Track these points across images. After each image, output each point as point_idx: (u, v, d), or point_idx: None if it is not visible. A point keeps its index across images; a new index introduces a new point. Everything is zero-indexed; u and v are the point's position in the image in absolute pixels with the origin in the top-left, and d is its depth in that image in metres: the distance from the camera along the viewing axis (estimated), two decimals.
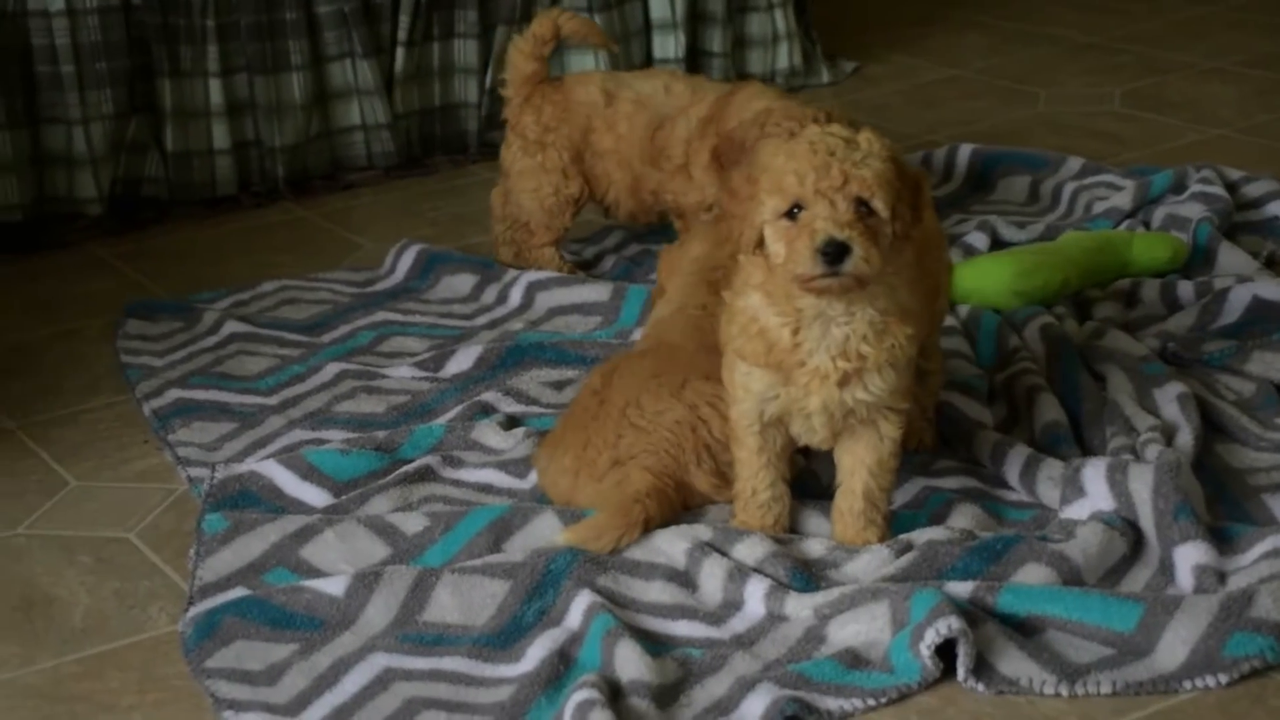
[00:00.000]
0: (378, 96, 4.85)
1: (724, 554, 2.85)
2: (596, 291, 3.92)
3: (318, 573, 2.91)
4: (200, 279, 4.22)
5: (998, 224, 4.15)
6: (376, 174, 4.91)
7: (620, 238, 4.34)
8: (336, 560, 2.93)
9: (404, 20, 4.86)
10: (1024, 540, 2.83)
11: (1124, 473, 2.91)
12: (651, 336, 3.27)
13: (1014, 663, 2.61)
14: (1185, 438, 3.12)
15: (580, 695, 2.50)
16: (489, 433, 3.29)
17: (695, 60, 5.34)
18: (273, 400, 3.55)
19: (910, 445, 3.16)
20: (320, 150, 4.86)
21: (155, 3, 4.55)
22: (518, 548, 2.92)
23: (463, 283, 4.07)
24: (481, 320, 3.92)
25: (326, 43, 4.79)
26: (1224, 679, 2.59)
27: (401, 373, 3.60)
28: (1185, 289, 3.78)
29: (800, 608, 2.73)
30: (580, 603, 2.74)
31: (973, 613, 2.66)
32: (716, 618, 2.76)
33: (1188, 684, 2.59)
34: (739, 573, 2.80)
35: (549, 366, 3.59)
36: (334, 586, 2.80)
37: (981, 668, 2.60)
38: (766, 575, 2.80)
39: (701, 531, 2.90)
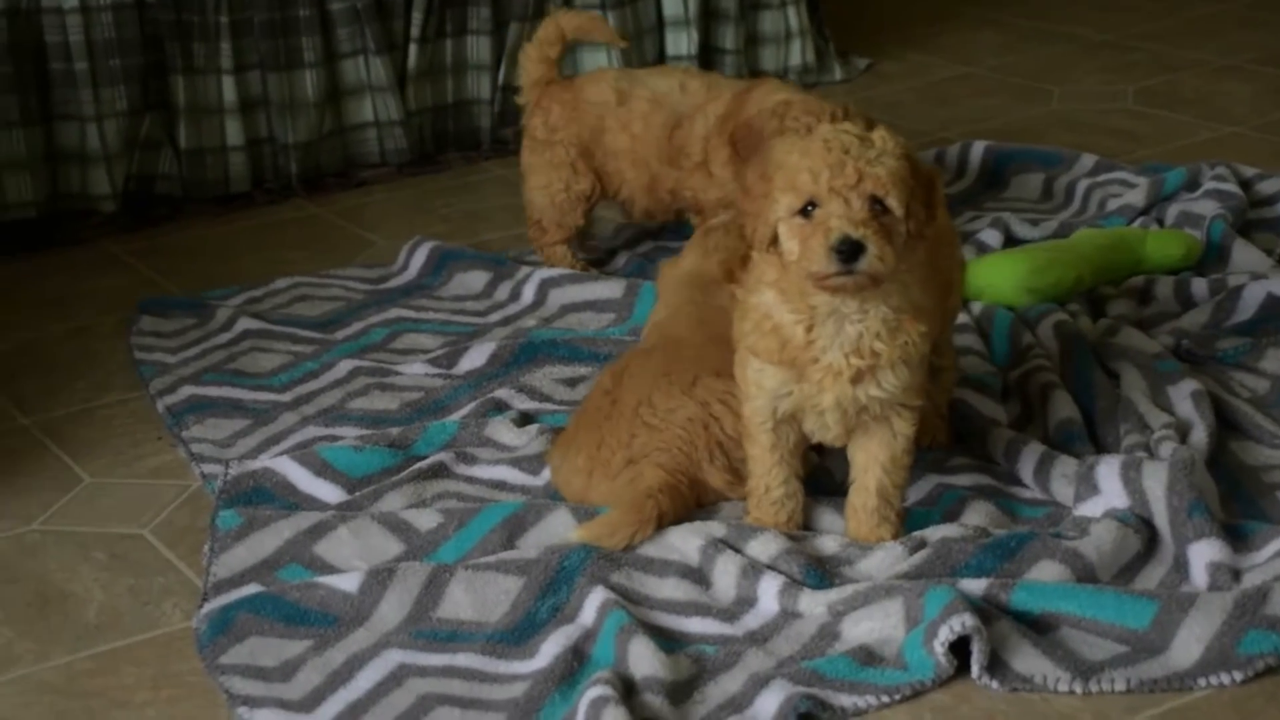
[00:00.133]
0: (390, 93, 4.85)
1: (738, 551, 2.85)
2: (609, 288, 3.92)
3: (331, 569, 2.91)
4: (213, 276, 4.22)
5: (1011, 221, 4.14)
6: (389, 171, 4.91)
7: (633, 234, 4.34)
8: (350, 556, 2.94)
9: (417, 17, 4.87)
10: (1038, 537, 2.83)
11: (1138, 470, 2.91)
12: (655, 334, 3.28)
13: (1028, 660, 2.60)
14: (1199, 435, 3.11)
15: (594, 692, 2.50)
16: (502, 429, 3.29)
17: (707, 57, 5.34)
18: (286, 397, 3.55)
19: (924, 442, 3.15)
20: (333, 147, 4.86)
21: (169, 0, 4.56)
22: (531, 544, 2.92)
23: (476, 279, 4.07)
24: (494, 317, 3.92)
25: (339, 39, 4.80)
26: (1238, 676, 2.58)
27: (415, 369, 3.61)
28: (1199, 286, 3.77)
29: (814, 605, 2.73)
30: (594, 599, 2.74)
31: (986, 610, 2.66)
32: (730, 614, 2.76)
33: (1202, 681, 2.58)
34: (753, 569, 2.80)
35: (562, 363, 3.60)
36: (348, 583, 2.80)
37: (995, 665, 2.60)
38: (780, 572, 2.80)
39: (715, 528, 2.90)
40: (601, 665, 2.62)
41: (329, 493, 3.14)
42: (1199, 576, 2.78)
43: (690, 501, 2.98)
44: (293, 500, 3.12)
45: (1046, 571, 2.78)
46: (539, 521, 2.96)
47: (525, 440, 3.26)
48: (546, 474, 3.15)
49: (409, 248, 4.20)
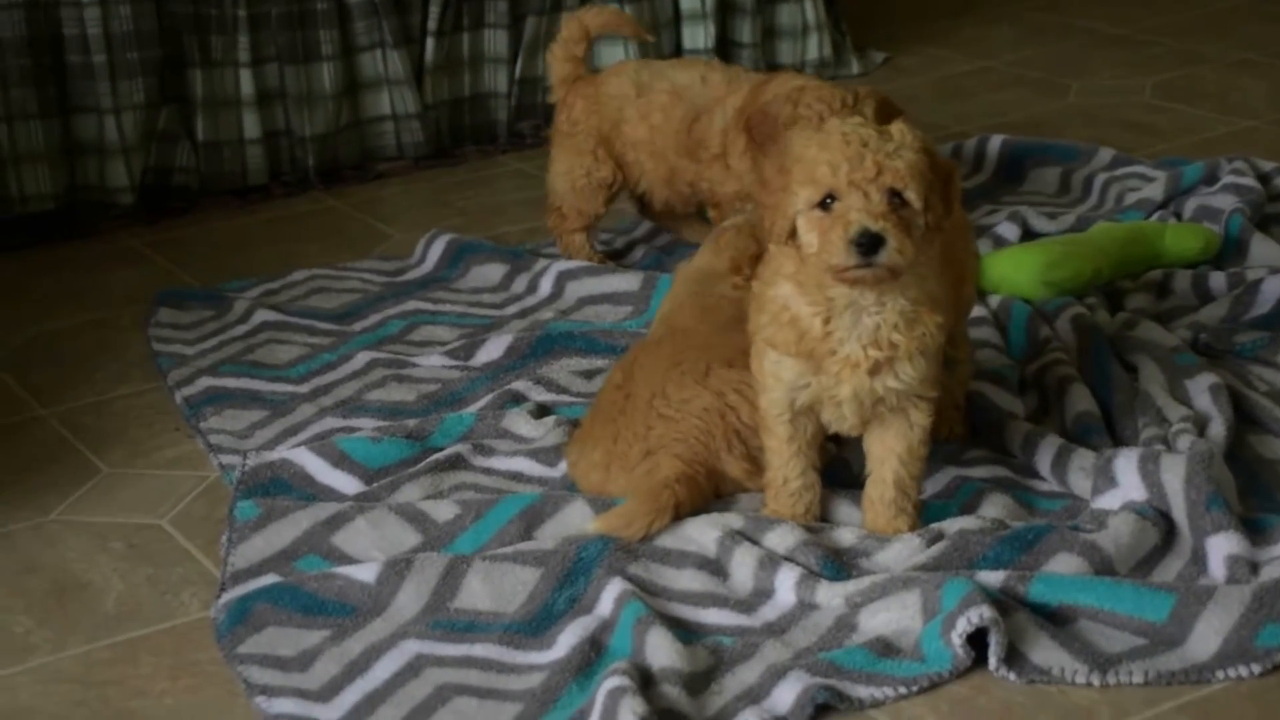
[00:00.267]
0: (408, 86, 4.86)
1: (755, 542, 2.85)
2: (627, 281, 3.92)
3: (349, 560, 2.92)
4: (231, 268, 4.23)
5: (1028, 215, 4.14)
6: (406, 164, 4.91)
7: (650, 227, 4.34)
8: (368, 547, 2.94)
9: (434, 10, 4.87)
10: (1056, 530, 2.83)
11: (1156, 463, 2.90)
12: (661, 326, 3.28)
13: (1045, 652, 2.60)
14: (1217, 428, 3.11)
15: (611, 682, 2.50)
16: (519, 421, 3.29)
17: (725, 51, 5.34)
18: (304, 388, 3.55)
19: (941, 434, 3.15)
20: (350, 140, 4.87)
21: None
22: (549, 535, 2.92)
23: (493, 272, 4.08)
24: (512, 309, 3.92)
25: (357, 32, 4.80)
26: (1256, 669, 2.58)
27: (432, 361, 3.61)
28: (1217, 280, 3.77)
29: (831, 596, 2.73)
30: (611, 590, 2.74)
31: (1004, 602, 2.66)
32: (748, 606, 2.76)
33: (1220, 674, 2.58)
34: (770, 561, 2.80)
35: (579, 355, 3.60)
36: (365, 573, 2.80)
37: (1013, 657, 2.60)
38: (798, 564, 2.80)
39: (733, 520, 2.90)
40: (619, 656, 2.62)
41: (346, 484, 3.14)
42: (1217, 569, 2.78)
43: (708, 492, 2.98)
44: (310, 491, 3.13)
45: (1064, 564, 2.77)
46: (556, 513, 2.96)
47: (542, 432, 3.26)
48: (564, 466, 3.15)
49: (426, 240, 4.21)
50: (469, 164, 4.94)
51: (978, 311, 3.53)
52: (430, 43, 4.90)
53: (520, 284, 4.03)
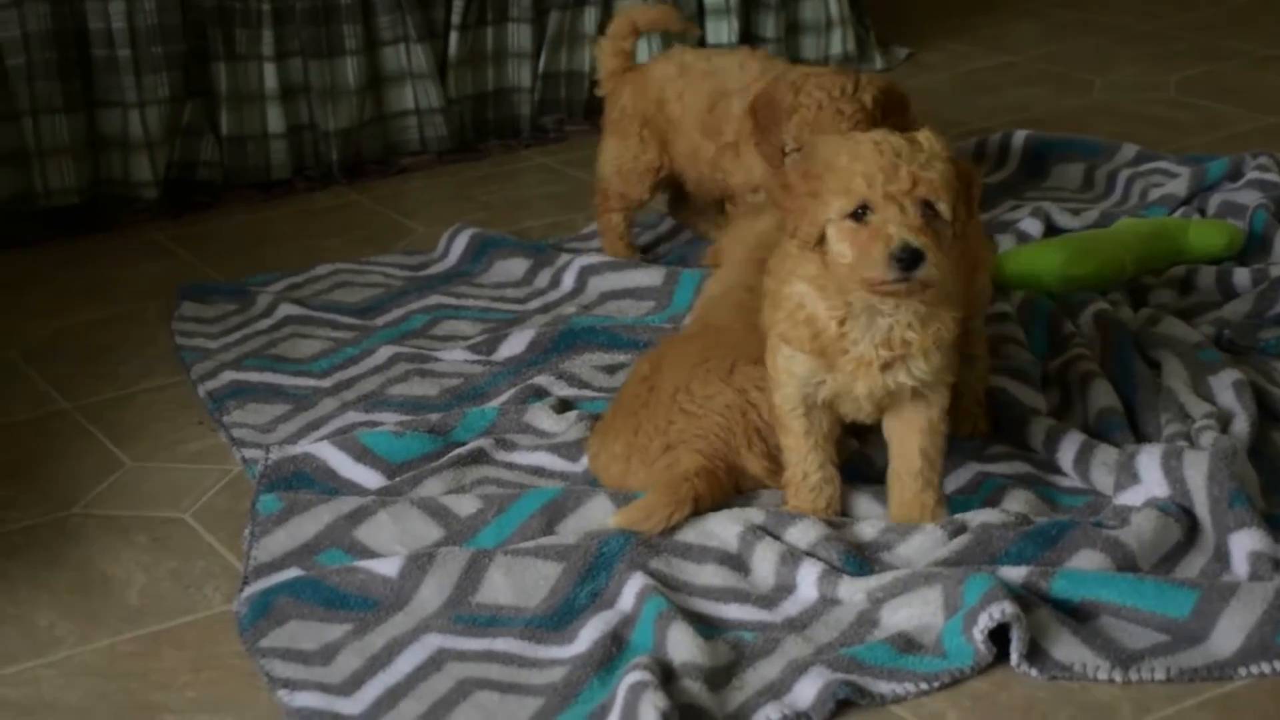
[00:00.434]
0: (431, 81, 4.86)
1: (776, 537, 2.85)
2: (649, 276, 3.92)
3: (371, 554, 2.92)
4: (254, 262, 4.24)
5: (1052, 210, 4.13)
6: (429, 158, 4.92)
7: (674, 224, 4.33)
8: (390, 541, 2.94)
9: (458, 4, 4.87)
10: (1078, 526, 2.83)
11: (1179, 459, 2.90)
12: (699, 318, 3.28)
13: (1067, 648, 2.60)
14: (1241, 425, 3.10)
15: (633, 677, 2.50)
16: (541, 416, 3.29)
17: (748, 46, 5.33)
18: (326, 383, 3.56)
19: (964, 431, 3.16)
20: (374, 134, 4.87)
21: None
22: (570, 530, 2.93)
23: (516, 267, 4.08)
24: (534, 304, 3.93)
25: (381, 27, 4.81)
26: (1279, 666, 2.57)
27: (454, 356, 3.61)
28: (1241, 276, 3.76)
29: (853, 591, 2.73)
30: (633, 585, 2.74)
31: (1026, 598, 2.65)
32: (769, 601, 2.77)
33: (1242, 671, 2.58)
34: (791, 556, 2.80)
35: (601, 350, 3.60)
36: (387, 567, 2.81)
37: (1035, 653, 2.59)
38: (819, 559, 2.80)
39: (754, 515, 2.90)
40: (640, 651, 2.62)
41: (369, 478, 3.15)
42: (1240, 566, 2.77)
43: (728, 487, 2.98)
44: (333, 485, 3.14)
45: (1087, 560, 2.77)
46: (578, 507, 2.96)
47: (564, 427, 3.26)
48: (585, 460, 3.15)
49: (449, 235, 4.21)
50: (492, 158, 4.95)
51: (1000, 307, 3.52)
52: (454, 37, 4.90)
53: (543, 279, 4.03)
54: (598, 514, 2.94)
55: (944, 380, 2.86)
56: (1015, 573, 2.70)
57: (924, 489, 2.90)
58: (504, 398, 3.41)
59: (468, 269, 4.11)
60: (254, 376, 3.58)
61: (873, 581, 2.73)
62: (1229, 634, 2.60)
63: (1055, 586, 2.69)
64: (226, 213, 4.61)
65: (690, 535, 2.88)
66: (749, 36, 5.35)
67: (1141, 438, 3.17)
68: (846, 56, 5.49)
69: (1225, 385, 3.23)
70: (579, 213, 4.44)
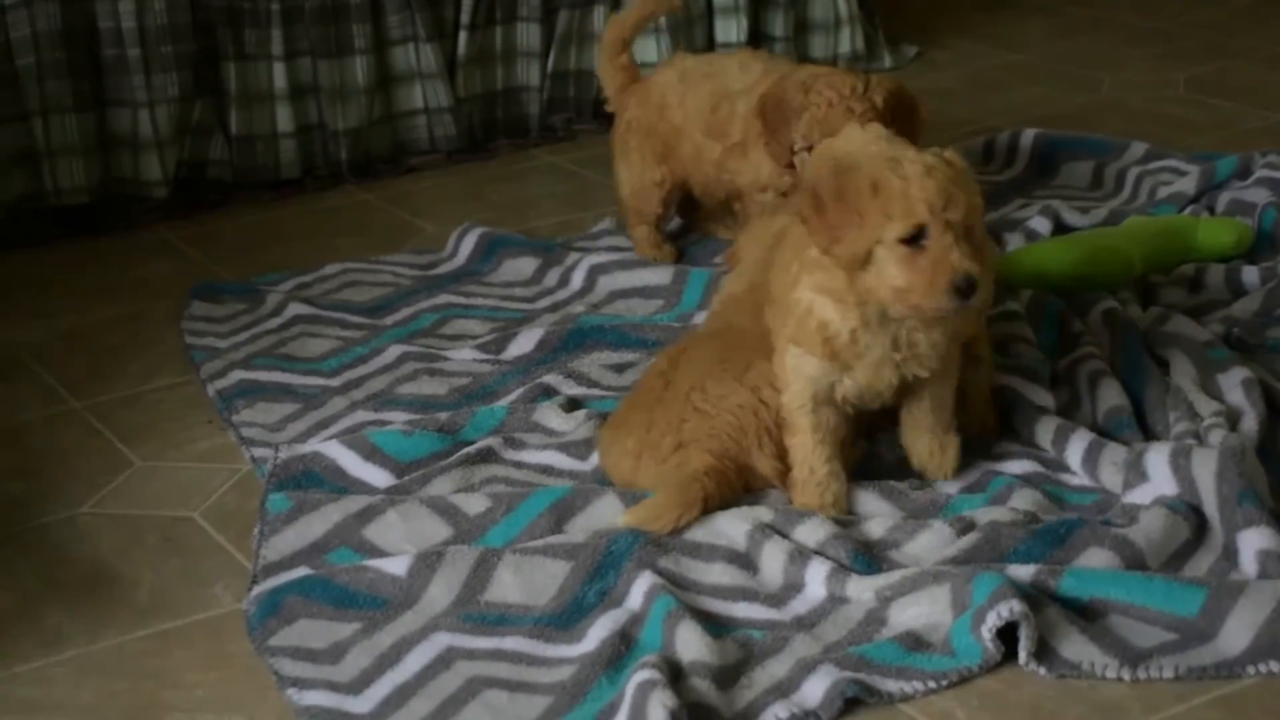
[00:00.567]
0: (440, 80, 4.86)
1: (785, 536, 2.86)
2: (658, 275, 3.93)
3: (380, 552, 2.92)
4: (264, 261, 4.24)
5: (1061, 209, 4.13)
6: (438, 157, 4.92)
7: (682, 223, 4.33)
8: (399, 540, 2.95)
9: (467, 4, 4.87)
10: (1087, 524, 2.83)
11: (1187, 458, 2.90)
12: (720, 316, 3.28)
13: (1076, 646, 2.60)
14: (1249, 423, 3.10)
15: (641, 676, 2.50)
16: (550, 415, 3.30)
17: (757, 44, 5.32)
18: (335, 382, 3.56)
19: (972, 429, 3.16)
20: (383, 134, 4.88)
21: None
22: (579, 529, 2.93)
23: (525, 266, 4.08)
24: (543, 303, 3.93)
25: (390, 26, 4.81)
26: None
27: (463, 355, 3.61)
28: (1250, 274, 3.75)
29: (861, 590, 2.73)
30: (641, 584, 2.74)
31: (1035, 596, 2.65)
32: (777, 600, 2.77)
33: (1251, 669, 2.58)
34: (800, 555, 2.80)
35: (610, 349, 3.60)
36: (396, 566, 2.81)
37: (1043, 651, 2.60)
38: (828, 558, 2.80)
39: (762, 514, 2.91)
40: (649, 649, 2.62)
41: (378, 477, 3.15)
42: (1248, 564, 2.77)
43: (738, 487, 2.99)
44: (342, 484, 3.14)
45: (1095, 558, 2.77)
46: (587, 506, 2.96)
47: (573, 425, 3.26)
48: (594, 459, 3.15)
49: (458, 234, 4.21)
50: (501, 158, 4.95)
51: (1009, 305, 3.52)
52: (463, 36, 4.90)
53: (552, 278, 4.04)
54: (606, 513, 2.95)
55: (953, 355, 2.93)
56: (1023, 571, 2.70)
57: (945, 430, 3.01)
58: (513, 397, 3.41)
59: (477, 268, 4.12)
60: (263, 375, 3.58)
61: (881, 580, 2.74)
62: (1238, 632, 2.60)
63: (1063, 585, 2.69)
64: (236, 212, 4.62)
65: (699, 534, 2.89)
66: (758, 34, 5.35)
67: (1150, 436, 3.17)
68: (855, 55, 5.49)
69: (1234, 383, 3.23)
70: (588, 211, 4.44)
